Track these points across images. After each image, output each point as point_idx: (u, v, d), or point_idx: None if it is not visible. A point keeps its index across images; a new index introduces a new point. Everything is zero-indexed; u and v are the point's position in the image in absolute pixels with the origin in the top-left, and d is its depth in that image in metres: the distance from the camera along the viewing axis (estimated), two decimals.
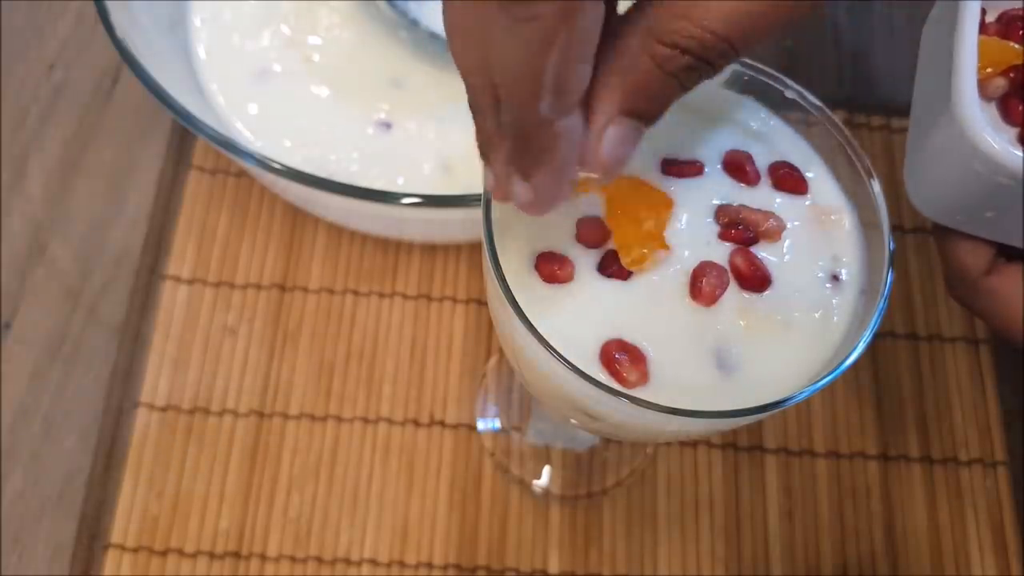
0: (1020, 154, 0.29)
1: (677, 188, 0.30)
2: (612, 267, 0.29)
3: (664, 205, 0.30)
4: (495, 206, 0.29)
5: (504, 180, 0.25)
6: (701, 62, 0.22)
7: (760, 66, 0.32)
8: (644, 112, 0.24)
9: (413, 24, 0.50)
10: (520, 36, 0.21)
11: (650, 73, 0.22)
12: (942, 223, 0.34)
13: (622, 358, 0.27)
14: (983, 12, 0.33)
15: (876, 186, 0.30)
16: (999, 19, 0.33)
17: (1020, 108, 0.31)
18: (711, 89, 0.33)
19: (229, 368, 0.50)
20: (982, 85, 0.32)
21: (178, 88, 0.44)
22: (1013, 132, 0.31)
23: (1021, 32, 0.33)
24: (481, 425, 0.49)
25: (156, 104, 0.42)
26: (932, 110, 0.32)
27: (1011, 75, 0.32)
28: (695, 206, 0.30)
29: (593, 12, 0.21)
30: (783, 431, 0.50)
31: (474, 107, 0.24)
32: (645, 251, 0.29)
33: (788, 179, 0.31)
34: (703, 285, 0.28)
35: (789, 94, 0.31)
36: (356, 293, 0.52)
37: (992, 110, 0.32)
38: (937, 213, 0.34)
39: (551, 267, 0.29)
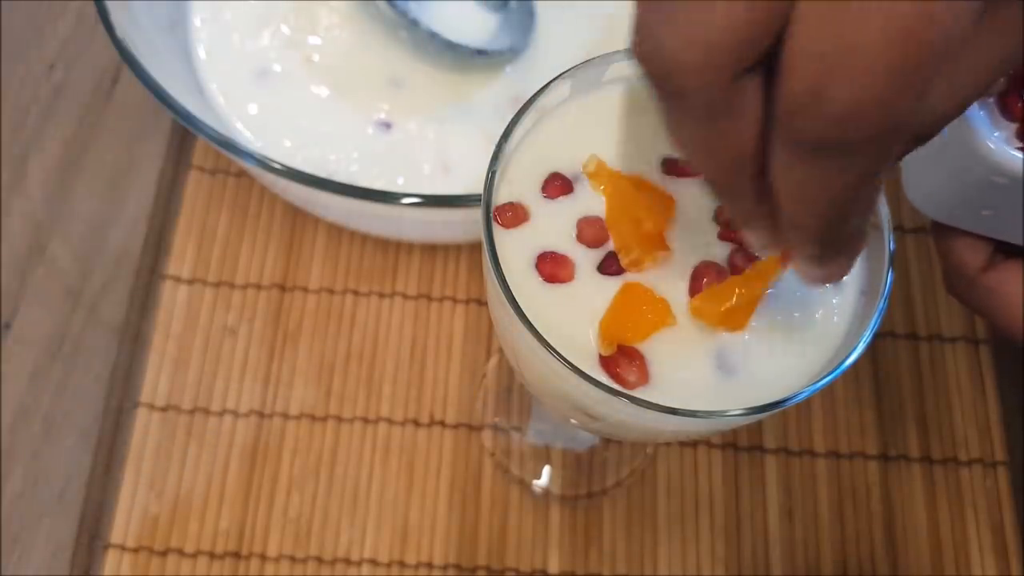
0: (1016, 154, 0.29)
1: (678, 187, 0.30)
2: (613, 267, 0.29)
3: (665, 205, 0.30)
4: (494, 207, 0.29)
5: (773, 247, 0.24)
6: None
7: None
8: None
9: (413, 24, 0.50)
10: (834, 179, 0.19)
11: None
12: (939, 220, 0.34)
13: (622, 358, 0.27)
14: None
15: None
16: None
17: (1019, 104, 0.31)
18: None
19: (229, 368, 0.50)
20: None
21: (178, 88, 0.44)
22: (1012, 128, 0.31)
23: None
24: (481, 425, 0.49)
25: (156, 104, 0.42)
26: None
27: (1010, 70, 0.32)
28: (695, 206, 0.30)
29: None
30: (783, 431, 0.50)
31: (724, 195, 0.23)
32: (644, 253, 0.29)
33: None
34: (703, 285, 0.28)
35: None
36: (356, 293, 0.52)
37: (991, 106, 0.32)
38: (934, 210, 0.33)
39: (551, 267, 0.29)
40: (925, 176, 0.33)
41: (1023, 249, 0.33)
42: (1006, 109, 0.31)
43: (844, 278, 0.27)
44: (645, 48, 0.19)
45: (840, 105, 0.17)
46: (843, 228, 0.22)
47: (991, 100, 0.32)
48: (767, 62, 0.19)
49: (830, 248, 0.23)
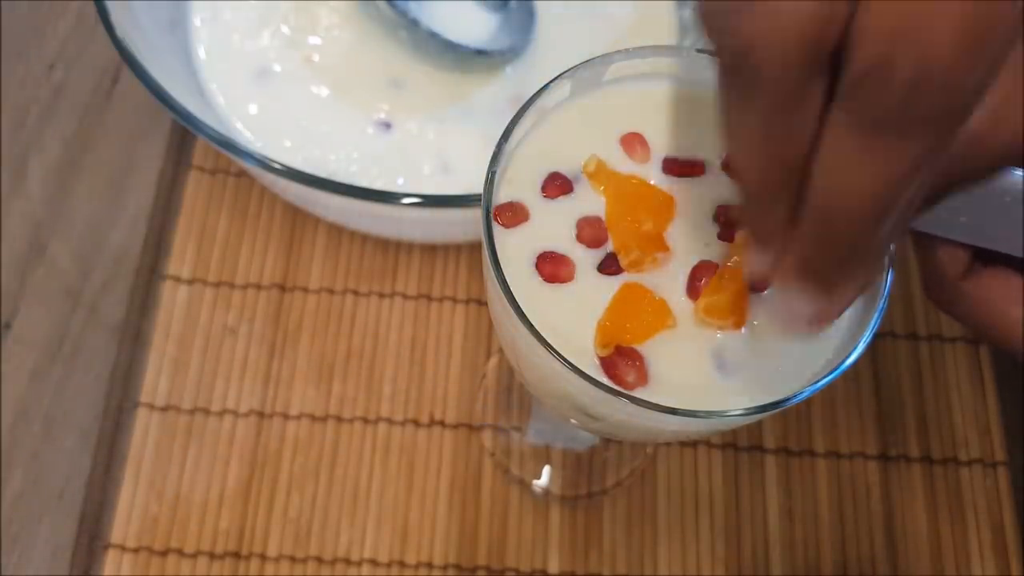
0: None
1: (678, 187, 0.30)
2: (612, 267, 0.29)
3: (665, 205, 0.30)
4: (494, 207, 0.29)
5: (769, 274, 0.24)
6: None
7: None
8: None
9: (413, 24, 0.50)
10: (886, 165, 0.19)
11: None
12: (917, 227, 0.34)
13: (621, 359, 0.27)
14: None
15: None
16: None
17: None
18: (712, 89, 0.33)
19: (229, 368, 0.50)
20: None
21: (178, 88, 0.44)
22: None
23: None
24: (481, 425, 0.49)
25: (156, 104, 0.42)
26: None
27: None
28: (695, 206, 0.30)
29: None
30: (783, 431, 0.50)
31: (758, 199, 0.22)
32: (644, 253, 0.29)
33: None
34: (702, 285, 0.28)
35: None
36: (356, 293, 0.52)
37: None
38: None
39: (551, 267, 0.29)
40: None
41: (1002, 256, 0.32)
42: None
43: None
44: (722, 23, 0.19)
45: (908, 72, 0.17)
46: (875, 233, 0.21)
47: None
48: (831, 62, 0.19)
49: (847, 264, 0.22)
